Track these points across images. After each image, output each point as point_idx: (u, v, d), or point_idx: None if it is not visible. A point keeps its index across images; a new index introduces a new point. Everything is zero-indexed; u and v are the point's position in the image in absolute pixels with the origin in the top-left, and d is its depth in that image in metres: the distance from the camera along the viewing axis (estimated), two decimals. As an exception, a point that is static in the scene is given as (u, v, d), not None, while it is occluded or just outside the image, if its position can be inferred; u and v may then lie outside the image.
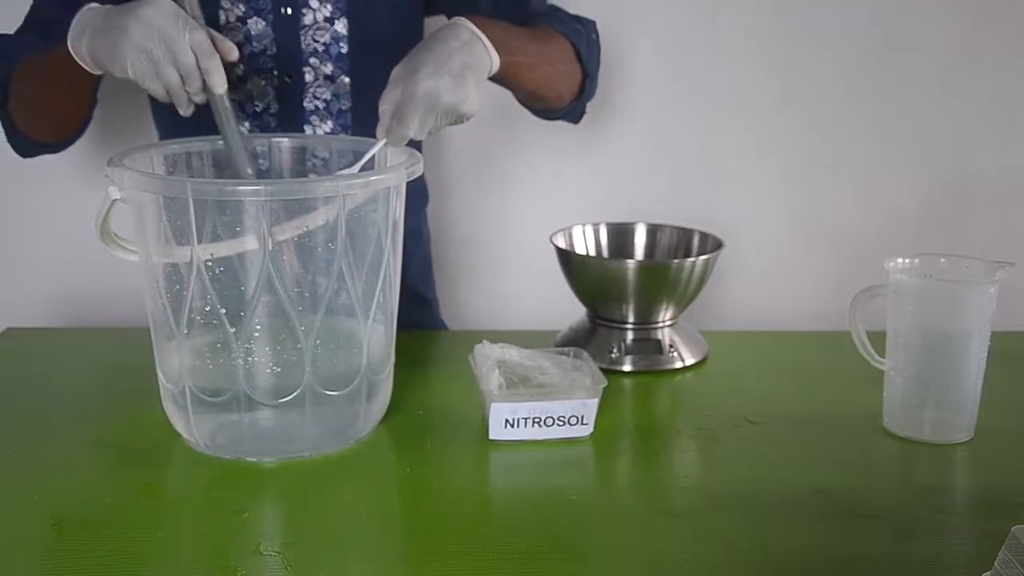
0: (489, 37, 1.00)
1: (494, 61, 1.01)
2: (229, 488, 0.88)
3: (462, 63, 0.96)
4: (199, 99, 0.97)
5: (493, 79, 1.04)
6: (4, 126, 1.14)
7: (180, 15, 0.93)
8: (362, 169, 0.96)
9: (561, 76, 1.16)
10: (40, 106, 1.11)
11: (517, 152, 1.53)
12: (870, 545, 0.80)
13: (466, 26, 1.00)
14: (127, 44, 0.93)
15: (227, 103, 0.98)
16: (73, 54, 0.98)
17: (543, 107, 1.20)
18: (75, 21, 0.98)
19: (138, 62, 0.93)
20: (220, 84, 0.95)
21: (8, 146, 1.15)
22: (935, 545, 0.81)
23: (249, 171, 1.01)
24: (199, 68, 0.94)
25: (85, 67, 0.98)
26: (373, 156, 0.97)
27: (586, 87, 1.19)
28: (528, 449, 0.96)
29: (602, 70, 1.48)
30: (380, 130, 0.97)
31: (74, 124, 1.16)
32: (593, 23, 1.22)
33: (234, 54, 0.97)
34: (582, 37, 1.17)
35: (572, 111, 1.22)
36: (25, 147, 1.16)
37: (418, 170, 0.92)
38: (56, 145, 1.18)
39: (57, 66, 1.00)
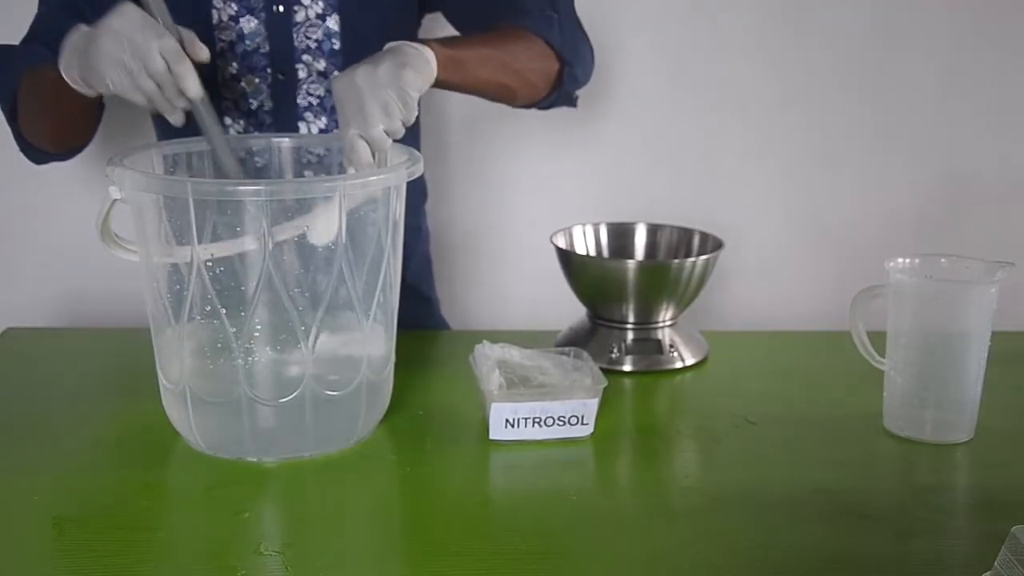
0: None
1: (423, 50, 0.97)
2: (229, 488, 0.88)
3: (378, 57, 0.94)
4: (182, 105, 0.95)
5: (445, 84, 1.01)
6: (16, 138, 1.14)
7: (148, 22, 0.91)
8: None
9: (529, 67, 1.12)
10: (45, 122, 1.11)
11: (517, 152, 1.53)
12: (870, 545, 0.80)
13: (392, 44, 0.98)
14: (102, 59, 0.92)
15: (206, 106, 0.96)
16: (67, 80, 0.98)
17: (523, 103, 1.18)
18: (63, 46, 0.98)
19: (115, 75, 0.92)
20: (194, 89, 0.93)
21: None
22: (935, 545, 0.81)
23: (238, 171, 1.00)
24: (172, 74, 0.92)
25: (80, 91, 0.98)
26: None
27: (565, 74, 1.16)
28: (528, 449, 0.96)
29: (602, 69, 1.48)
30: (345, 160, 0.94)
31: (80, 137, 1.16)
32: (570, 2, 1.18)
33: (204, 55, 0.95)
34: (553, 25, 1.14)
35: (559, 99, 1.20)
36: (36, 157, 1.17)
37: (418, 170, 0.92)
38: (65, 154, 1.18)
39: (56, 88, 0.99)
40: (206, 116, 0.97)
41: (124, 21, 0.91)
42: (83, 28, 0.97)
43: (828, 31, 1.48)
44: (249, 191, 0.84)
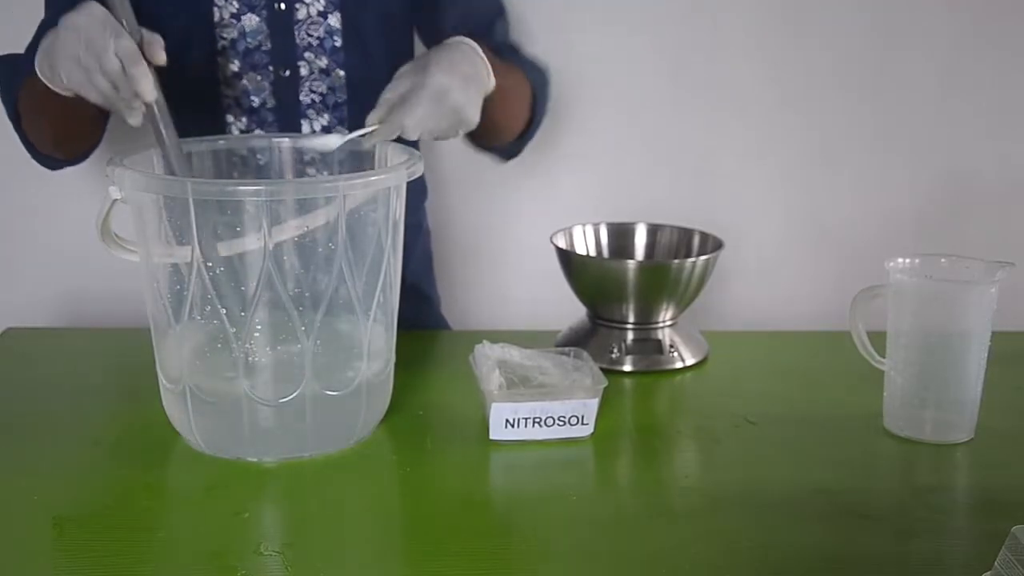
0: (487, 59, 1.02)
1: (491, 81, 1.02)
2: (229, 488, 0.88)
3: (469, 71, 0.99)
4: (137, 106, 0.93)
5: None
6: (24, 145, 1.14)
7: (109, 21, 0.90)
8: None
9: (520, 113, 1.17)
10: (46, 127, 1.11)
11: (517, 152, 1.53)
12: (870, 545, 0.80)
13: (470, 44, 1.02)
14: (61, 54, 0.92)
15: (162, 111, 0.94)
16: (40, 77, 0.97)
17: (495, 142, 1.20)
18: (40, 43, 0.97)
19: (71, 71, 0.91)
20: (148, 92, 0.91)
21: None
22: (935, 545, 0.81)
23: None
24: (127, 75, 0.90)
25: (53, 88, 0.97)
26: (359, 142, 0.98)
27: (530, 130, 1.20)
28: (528, 449, 0.96)
29: (603, 69, 1.48)
30: (373, 116, 0.96)
31: (84, 141, 1.16)
32: (547, 68, 1.24)
33: (160, 58, 0.92)
34: (539, 80, 1.20)
35: (509, 149, 1.23)
36: (47, 163, 1.17)
37: (418, 170, 0.92)
38: (74, 159, 1.18)
39: (49, 93, 0.98)
40: (160, 122, 0.95)
41: (85, 18, 0.90)
42: (56, 27, 0.97)
43: (828, 31, 1.48)
44: (249, 191, 0.84)
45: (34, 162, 1.18)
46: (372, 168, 1.01)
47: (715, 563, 0.77)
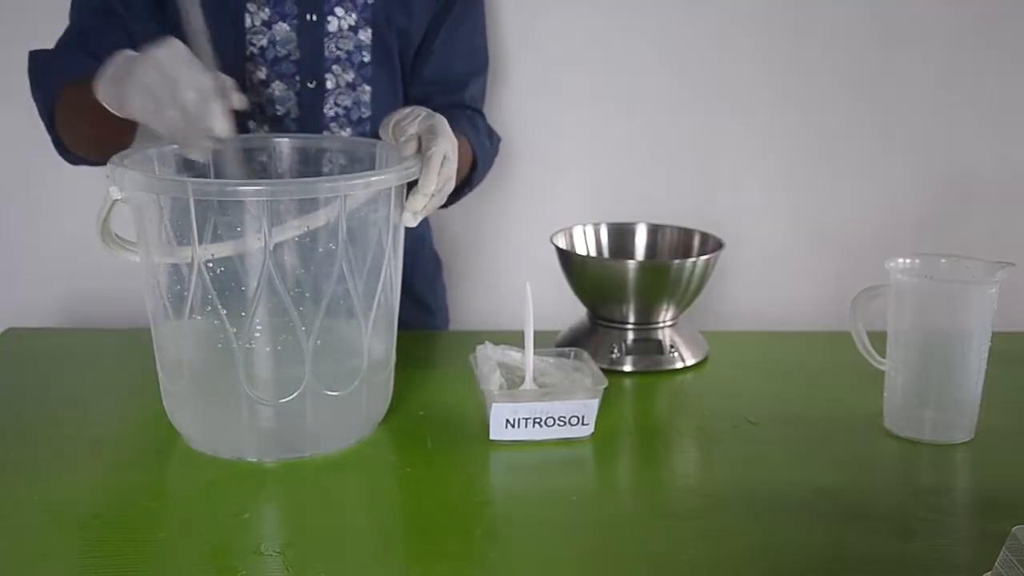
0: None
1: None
2: (229, 488, 0.88)
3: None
4: (205, 144, 0.91)
5: None
6: (54, 143, 1.14)
7: (191, 59, 0.91)
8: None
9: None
10: (83, 134, 1.10)
11: (517, 152, 1.53)
12: (870, 545, 0.80)
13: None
14: (132, 83, 0.92)
15: (233, 152, 0.95)
16: (100, 99, 0.97)
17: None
18: (103, 67, 0.97)
19: (141, 101, 0.91)
20: (220, 127, 0.89)
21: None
22: (935, 545, 0.81)
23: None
24: (205, 109, 0.89)
25: (112, 111, 0.97)
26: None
27: (462, 192, 1.20)
28: (528, 449, 0.96)
29: (603, 69, 1.48)
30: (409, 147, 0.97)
31: (119, 148, 1.16)
32: (499, 142, 1.27)
33: (241, 103, 0.92)
34: (486, 156, 1.22)
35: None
36: (72, 159, 1.17)
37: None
38: (103, 162, 1.18)
39: (92, 105, 0.98)
40: (232, 162, 0.95)
41: (166, 52, 0.90)
42: (128, 52, 0.97)
43: (828, 31, 1.48)
44: (250, 191, 0.84)
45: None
46: (372, 168, 1.01)
47: (715, 563, 0.77)
